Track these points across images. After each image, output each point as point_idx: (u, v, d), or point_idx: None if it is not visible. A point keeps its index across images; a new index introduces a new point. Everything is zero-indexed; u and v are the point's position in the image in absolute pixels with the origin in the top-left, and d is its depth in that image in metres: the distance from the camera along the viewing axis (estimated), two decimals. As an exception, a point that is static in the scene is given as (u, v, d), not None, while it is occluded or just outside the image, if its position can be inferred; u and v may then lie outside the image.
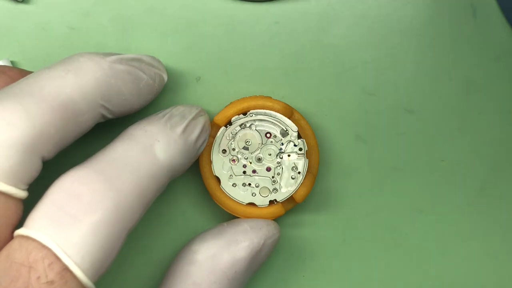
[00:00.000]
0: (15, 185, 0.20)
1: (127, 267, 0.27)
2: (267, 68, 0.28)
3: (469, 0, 0.28)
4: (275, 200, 0.26)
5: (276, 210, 0.26)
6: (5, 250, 0.20)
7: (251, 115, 0.26)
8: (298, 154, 0.26)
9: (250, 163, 0.26)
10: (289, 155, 0.26)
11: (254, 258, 0.25)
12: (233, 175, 0.26)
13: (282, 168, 0.26)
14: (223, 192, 0.26)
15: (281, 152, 0.26)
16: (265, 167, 0.26)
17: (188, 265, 0.24)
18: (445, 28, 0.28)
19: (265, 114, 0.26)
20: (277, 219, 0.27)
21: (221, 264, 0.24)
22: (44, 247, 0.19)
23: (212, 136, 0.26)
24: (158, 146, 0.22)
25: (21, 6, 0.28)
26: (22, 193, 0.21)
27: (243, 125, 0.26)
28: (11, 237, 0.21)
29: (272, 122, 0.26)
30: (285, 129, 0.26)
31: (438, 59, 0.28)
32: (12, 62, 0.27)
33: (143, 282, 0.27)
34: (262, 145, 0.26)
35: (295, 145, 0.26)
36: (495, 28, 0.28)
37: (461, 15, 0.28)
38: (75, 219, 0.20)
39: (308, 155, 0.26)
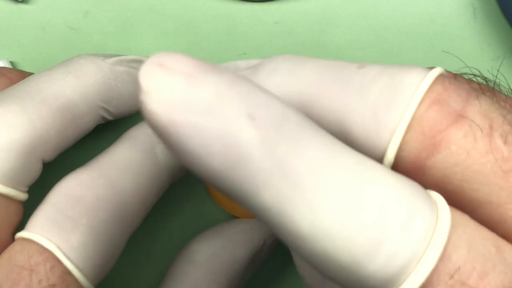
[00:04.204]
0: (15, 187, 0.20)
1: (127, 267, 0.27)
2: (267, 68, 0.28)
3: (469, 0, 0.28)
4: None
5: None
6: (7, 253, 0.20)
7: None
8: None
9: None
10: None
11: (254, 258, 0.25)
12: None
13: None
14: (223, 192, 0.26)
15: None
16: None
17: (188, 265, 0.24)
18: (445, 28, 0.28)
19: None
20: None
21: (221, 264, 0.24)
22: (45, 250, 0.20)
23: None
24: (159, 148, 0.22)
25: (21, 6, 0.28)
26: (22, 195, 0.21)
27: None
28: (11, 239, 0.21)
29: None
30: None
31: (438, 59, 0.28)
32: (11, 62, 0.27)
33: (143, 282, 0.27)
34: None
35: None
36: (495, 28, 0.28)
37: (461, 15, 0.28)
38: (77, 223, 0.20)
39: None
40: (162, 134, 0.13)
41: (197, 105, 0.13)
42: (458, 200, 0.15)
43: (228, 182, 0.13)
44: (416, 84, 0.16)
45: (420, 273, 0.13)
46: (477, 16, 0.28)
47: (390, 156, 0.16)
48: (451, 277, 0.14)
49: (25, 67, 0.28)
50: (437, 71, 0.16)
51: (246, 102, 0.13)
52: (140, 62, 0.24)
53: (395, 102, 0.16)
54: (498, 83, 0.20)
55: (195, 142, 0.13)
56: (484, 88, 0.19)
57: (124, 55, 0.25)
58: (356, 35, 0.28)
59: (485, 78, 0.20)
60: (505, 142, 0.15)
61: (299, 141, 0.13)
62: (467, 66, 0.21)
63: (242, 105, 0.13)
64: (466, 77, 0.20)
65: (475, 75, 0.20)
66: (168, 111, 0.13)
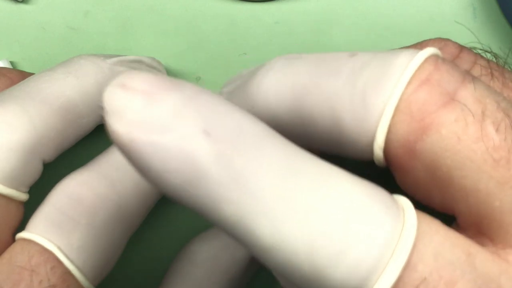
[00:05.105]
0: (16, 188, 0.20)
1: (128, 268, 0.27)
2: (267, 68, 0.28)
3: (469, 0, 0.28)
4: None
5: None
6: (7, 253, 0.20)
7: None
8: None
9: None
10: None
11: (254, 259, 0.25)
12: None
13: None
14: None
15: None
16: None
17: (188, 265, 0.24)
18: (445, 28, 0.28)
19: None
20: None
21: (221, 264, 0.24)
22: (46, 250, 0.20)
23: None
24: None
25: (21, 6, 0.28)
26: (22, 196, 0.21)
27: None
28: (12, 239, 0.21)
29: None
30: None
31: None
32: (12, 62, 0.27)
33: (143, 283, 0.27)
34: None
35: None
36: (495, 28, 0.28)
37: (461, 15, 0.28)
38: (77, 223, 0.20)
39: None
40: (125, 154, 0.13)
41: (154, 123, 0.13)
42: (446, 188, 0.15)
43: (189, 198, 0.13)
44: (405, 65, 0.15)
45: (384, 284, 0.13)
46: (477, 16, 0.28)
47: (379, 140, 0.15)
48: (417, 287, 0.13)
49: (25, 67, 0.28)
50: (428, 51, 0.15)
51: (203, 117, 0.13)
52: (140, 62, 0.24)
53: (383, 84, 0.15)
54: (508, 63, 0.19)
55: (155, 159, 0.13)
56: (492, 65, 0.18)
57: (124, 55, 0.25)
58: (356, 35, 0.28)
59: (495, 55, 0.19)
60: (497, 130, 0.14)
61: (256, 153, 0.13)
62: (479, 42, 0.20)
63: (198, 120, 0.13)
64: (475, 52, 0.19)
65: (485, 51, 0.19)
66: (128, 131, 0.13)
